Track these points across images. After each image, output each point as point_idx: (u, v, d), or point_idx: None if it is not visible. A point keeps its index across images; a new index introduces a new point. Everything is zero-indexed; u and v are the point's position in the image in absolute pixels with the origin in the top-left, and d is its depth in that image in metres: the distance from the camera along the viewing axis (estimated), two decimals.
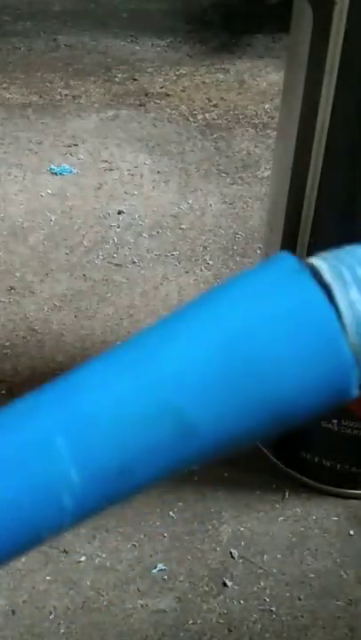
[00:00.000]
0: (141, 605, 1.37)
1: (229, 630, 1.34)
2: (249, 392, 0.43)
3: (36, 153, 2.55)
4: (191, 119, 2.75)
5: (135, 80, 2.99)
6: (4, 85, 2.94)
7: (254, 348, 0.43)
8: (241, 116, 2.78)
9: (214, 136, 2.66)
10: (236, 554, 1.45)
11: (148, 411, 0.43)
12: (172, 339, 0.44)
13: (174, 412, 0.43)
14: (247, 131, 2.70)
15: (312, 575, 1.42)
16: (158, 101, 2.85)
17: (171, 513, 1.51)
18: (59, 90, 2.92)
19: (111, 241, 2.19)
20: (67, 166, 2.48)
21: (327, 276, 0.44)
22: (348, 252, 0.47)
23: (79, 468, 0.43)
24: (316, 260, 0.46)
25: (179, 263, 2.12)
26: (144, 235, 2.21)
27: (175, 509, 1.52)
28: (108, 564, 1.43)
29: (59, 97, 2.87)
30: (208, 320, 0.44)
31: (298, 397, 0.44)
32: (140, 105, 2.83)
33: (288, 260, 0.45)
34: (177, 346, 0.44)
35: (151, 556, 1.44)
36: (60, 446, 0.43)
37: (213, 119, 2.76)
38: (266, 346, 0.43)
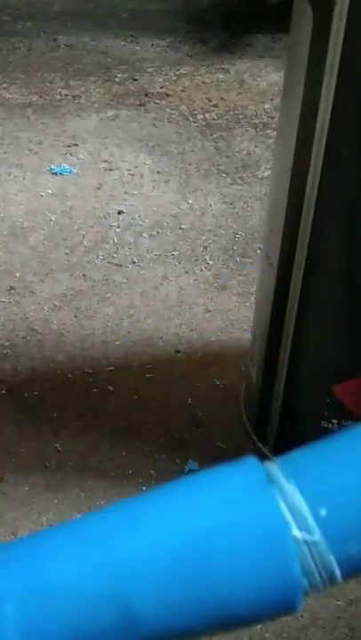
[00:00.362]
0: None
1: None
2: (197, 594, 0.45)
3: (36, 153, 2.55)
4: (191, 119, 2.75)
5: (135, 80, 2.99)
6: (4, 85, 2.94)
7: (209, 554, 0.45)
8: (241, 116, 2.78)
9: (214, 136, 2.66)
10: None
11: (98, 595, 0.45)
12: (133, 530, 0.47)
13: (122, 601, 0.45)
14: (247, 131, 2.70)
15: None
16: (158, 101, 2.85)
17: None
18: (59, 90, 2.92)
19: (111, 241, 2.19)
20: (67, 166, 2.48)
21: (288, 493, 0.46)
22: (313, 463, 0.49)
23: (22, 637, 0.45)
24: (278, 475, 0.47)
25: (179, 263, 2.12)
26: (144, 235, 2.22)
27: None
28: None
29: (59, 97, 2.87)
30: (170, 519, 0.47)
31: (243, 605, 0.46)
32: (140, 105, 2.83)
33: (252, 470, 0.48)
34: (136, 539, 0.46)
35: None
36: (8, 614, 0.44)
37: (213, 119, 2.76)
38: (221, 554, 0.45)
